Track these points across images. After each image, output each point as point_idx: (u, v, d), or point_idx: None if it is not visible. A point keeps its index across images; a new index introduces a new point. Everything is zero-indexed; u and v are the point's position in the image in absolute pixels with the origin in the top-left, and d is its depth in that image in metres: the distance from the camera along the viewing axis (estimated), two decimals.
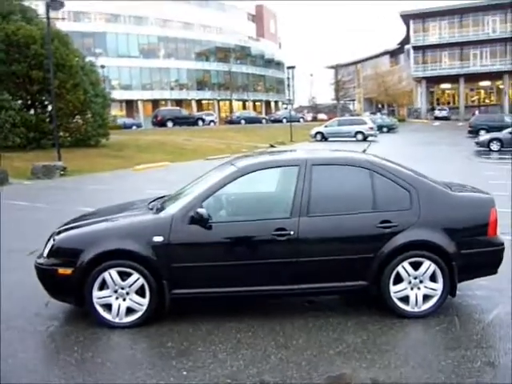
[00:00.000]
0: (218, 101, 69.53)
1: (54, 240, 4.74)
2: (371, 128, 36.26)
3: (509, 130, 26.95)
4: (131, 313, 4.62)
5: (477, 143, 27.08)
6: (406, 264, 4.68)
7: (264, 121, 51.04)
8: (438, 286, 4.73)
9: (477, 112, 51.14)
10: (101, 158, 21.77)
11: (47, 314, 4.96)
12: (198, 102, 66.70)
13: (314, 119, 60.03)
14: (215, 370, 3.82)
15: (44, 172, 16.69)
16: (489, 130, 33.01)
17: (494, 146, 25.90)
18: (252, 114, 55.44)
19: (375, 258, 4.64)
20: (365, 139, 35.02)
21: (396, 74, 71.02)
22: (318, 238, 4.64)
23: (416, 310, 4.74)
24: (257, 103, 76.63)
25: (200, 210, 4.45)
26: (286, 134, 37.27)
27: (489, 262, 4.89)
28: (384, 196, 4.75)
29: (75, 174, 17.92)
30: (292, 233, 4.55)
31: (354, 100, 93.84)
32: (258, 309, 5.02)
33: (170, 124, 42.71)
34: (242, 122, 47.96)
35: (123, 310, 4.59)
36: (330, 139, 35.81)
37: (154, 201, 5.44)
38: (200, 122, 45.39)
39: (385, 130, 43.69)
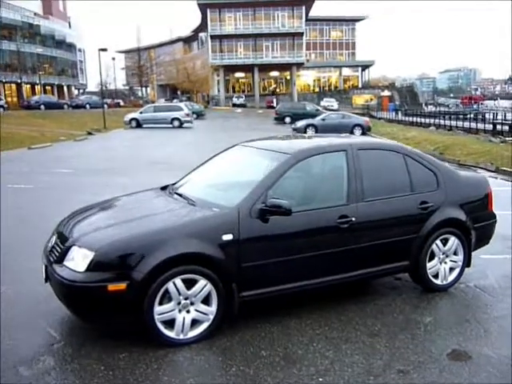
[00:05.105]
0: (4, 83, 61.78)
1: (90, 249, 3.77)
2: (187, 114, 36.27)
3: (321, 116, 30.04)
4: (195, 325, 4.00)
5: (294, 129, 29.43)
6: (438, 241, 4.99)
7: (66, 106, 47.09)
8: (460, 259, 5.16)
9: (274, 100, 55.32)
10: None
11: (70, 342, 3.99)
12: None
13: (117, 105, 57.61)
14: (344, 370, 3.59)
15: None
16: (293, 116, 36.17)
17: (310, 132, 28.44)
18: (53, 98, 50.63)
19: (417, 237, 4.85)
20: (181, 125, 35.08)
21: (195, 61, 72.27)
22: (374, 222, 4.64)
23: (444, 282, 5.11)
24: (47, 87, 70.22)
25: (278, 201, 4.04)
26: (97, 120, 35.32)
27: (488, 234, 5.49)
28: (418, 178, 4.96)
29: None
30: (354, 219, 4.46)
31: (147, 86, 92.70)
32: (293, 302, 4.75)
33: None
34: (42, 107, 43.56)
35: (188, 323, 3.95)
36: (145, 126, 34.85)
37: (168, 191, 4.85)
38: None
39: (194, 116, 44.30)
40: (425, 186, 4.98)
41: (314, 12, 69.68)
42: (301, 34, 66.11)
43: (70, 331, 4.23)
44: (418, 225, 4.85)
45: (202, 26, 71.54)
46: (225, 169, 5.18)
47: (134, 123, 35.19)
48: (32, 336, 4.11)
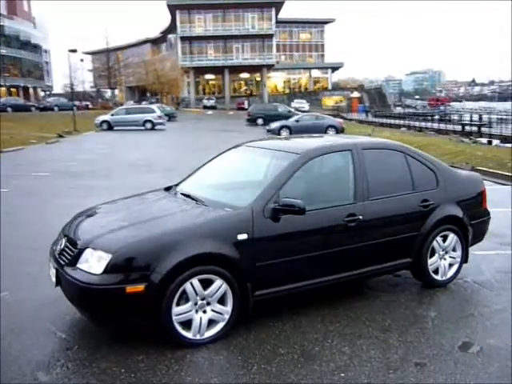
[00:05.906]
0: None
1: (107, 251, 3.74)
2: (160, 116, 36.01)
3: (295, 118, 30.24)
4: (211, 325, 4.01)
5: (268, 130, 29.54)
6: (438, 238, 5.13)
7: (33, 108, 46.11)
8: (458, 255, 5.32)
9: (246, 102, 55.34)
10: None
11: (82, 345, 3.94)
12: None
13: (86, 107, 56.73)
14: (363, 364, 3.66)
15: None
16: (265, 118, 36.29)
17: (284, 133, 28.60)
18: (19, 100, 49.50)
19: (419, 235, 4.97)
20: (153, 128, 34.78)
21: (164, 63, 71.68)
22: (380, 220, 4.73)
23: (444, 278, 5.26)
24: (12, 89, 68.55)
25: (291, 201, 4.09)
26: (66, 122, 34.66)
27: (482, 231, 5.66)
28: (418, 177, 5.09)
29: None
30: (361, 217, 4.55)
31: (115, 88, 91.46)
32: (299, 301, 4.79)
33: None
34: (9, 109, 42.56)
35: (205, 323, 3.96)
36: (117, 128, 34.39)
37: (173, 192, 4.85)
38: None
39: (166, 118, 43.93)
40: (425, 184, 5.11)
41: (284, 14, 70.21)
42: (271, 36, 66.43)
43: (82, 335, 4.17)
44: (419, 222, 4.98)
45: (171, 28, 71.09)
46: (231, 169, 5.21)
47: (105, 125, 34.69)
48: (43, 341, 4.04)
